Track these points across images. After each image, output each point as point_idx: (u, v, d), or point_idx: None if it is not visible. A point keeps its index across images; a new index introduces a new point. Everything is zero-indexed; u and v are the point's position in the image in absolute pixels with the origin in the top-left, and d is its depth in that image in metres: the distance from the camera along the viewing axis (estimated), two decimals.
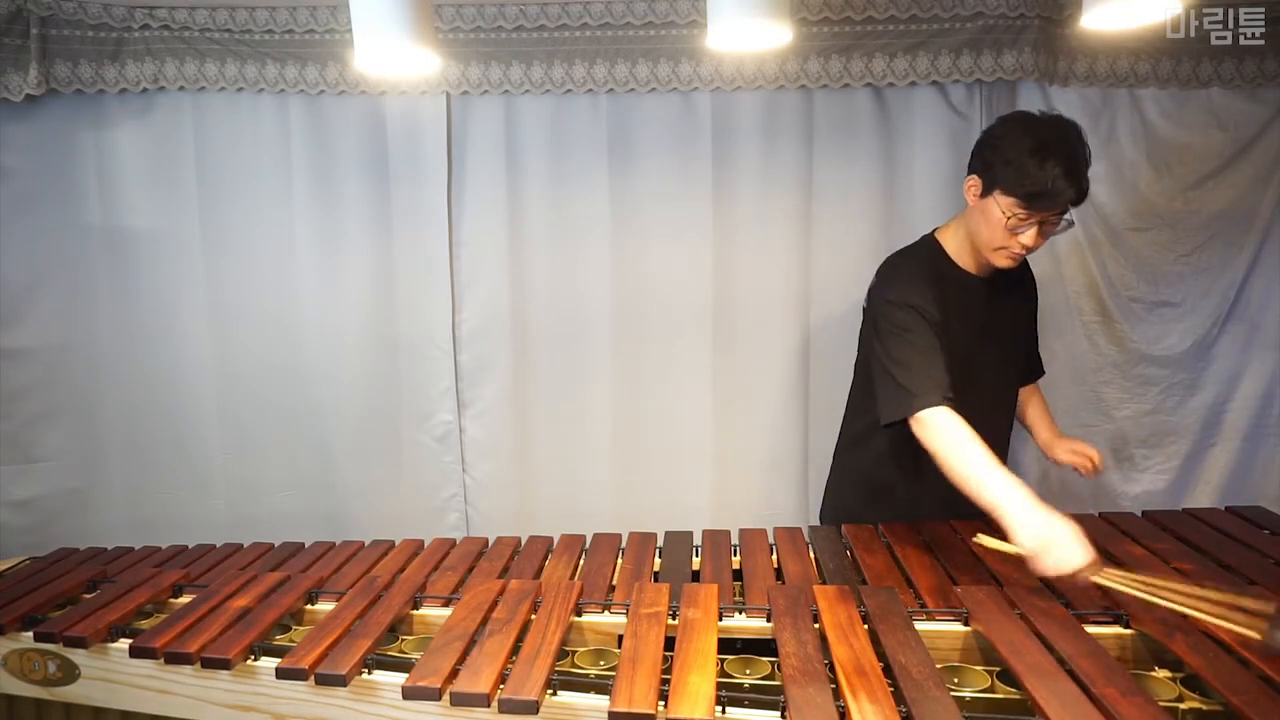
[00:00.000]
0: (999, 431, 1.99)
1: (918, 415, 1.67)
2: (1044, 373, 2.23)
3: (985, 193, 1.77)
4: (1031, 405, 2.19)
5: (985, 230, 1.79)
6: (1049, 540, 1.46)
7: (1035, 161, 1.67)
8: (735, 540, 1.89)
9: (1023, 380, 2.14)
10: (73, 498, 2.68)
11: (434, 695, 1.29)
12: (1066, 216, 1.77)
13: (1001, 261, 1.83)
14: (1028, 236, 1.74)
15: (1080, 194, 1.71)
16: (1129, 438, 2.65)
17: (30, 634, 1.61)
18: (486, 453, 2.72)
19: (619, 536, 1.94)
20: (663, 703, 1.20)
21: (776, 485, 2.70)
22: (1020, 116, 1.82)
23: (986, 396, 1.90)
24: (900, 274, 1.91)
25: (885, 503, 2.02)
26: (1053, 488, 2.68)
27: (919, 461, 1.77)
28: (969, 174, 1.81)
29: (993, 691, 1.33)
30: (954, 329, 1.83)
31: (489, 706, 1.27)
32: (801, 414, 2.66)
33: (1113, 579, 1.44)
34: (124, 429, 2.67)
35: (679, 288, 2.60)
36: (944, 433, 1.64)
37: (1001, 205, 1.73)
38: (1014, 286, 1.99)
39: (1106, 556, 1.73)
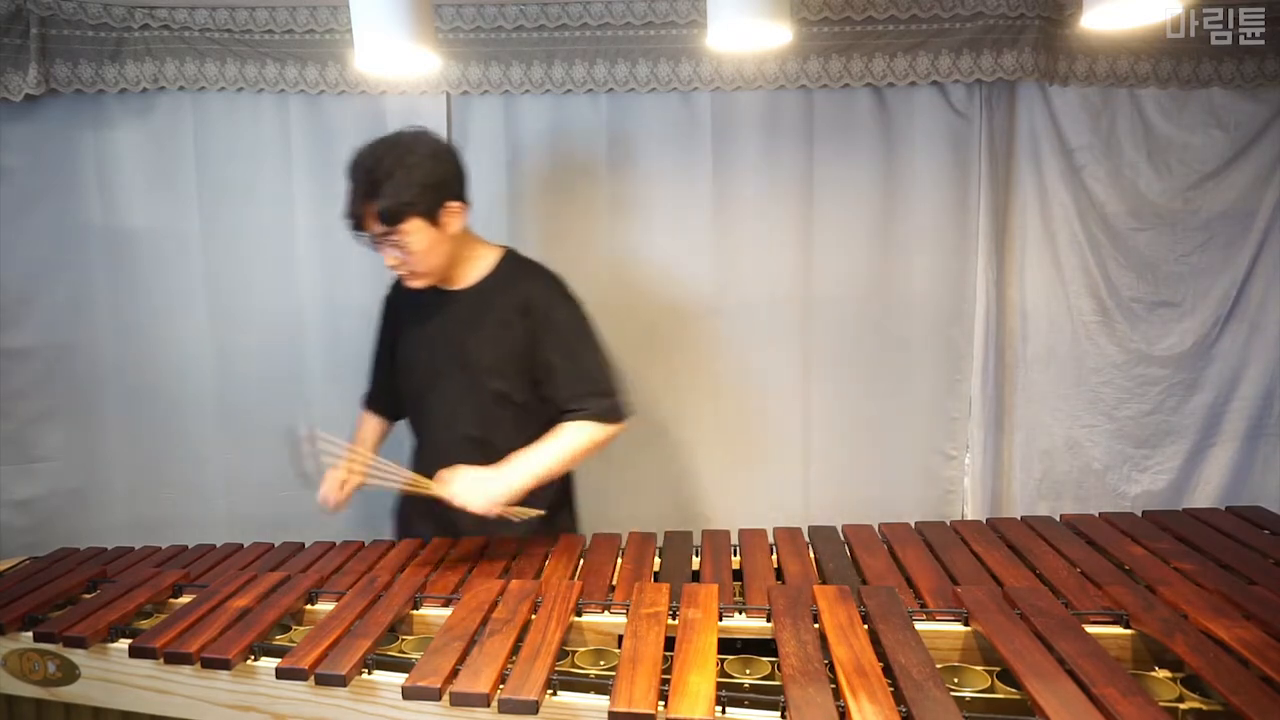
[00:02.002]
0: (463, 441, 1.94)
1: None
2: (581, 413, 1.86)
3: None
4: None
5: None
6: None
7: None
8: (735, 540, 1.89)
9: (499, 404, 1.94)
10: (73, 498, 2.67)
11: (434, 695, 1.29)
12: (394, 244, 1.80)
13: (405, 280, 1.92)
14: (387, 256, 1.85)
15: (384, 212, 1.75)
16: (1129, 438, 2.65)
17: (30, 634, 1.61)
18: None
19: (619, 536, 1.94)
20: (663, 703, 1.20)
21: (776, 485, 2.69)
22: None
23: (440, 405, 1.98)
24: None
25: None
26: (1055, 488, 2.68)
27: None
28: None
29: (993, 691, 1.33)
30: (413, 334, 2.01)
31: (489, 706, 1.27)
32: (801, 413, 2.65)
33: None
34: (124, 429, 2.67)
35: (678, 287, 2.60)
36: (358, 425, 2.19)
37: None
38: (494, 311, 1.92)
39: (1106, 557, 1.73)
